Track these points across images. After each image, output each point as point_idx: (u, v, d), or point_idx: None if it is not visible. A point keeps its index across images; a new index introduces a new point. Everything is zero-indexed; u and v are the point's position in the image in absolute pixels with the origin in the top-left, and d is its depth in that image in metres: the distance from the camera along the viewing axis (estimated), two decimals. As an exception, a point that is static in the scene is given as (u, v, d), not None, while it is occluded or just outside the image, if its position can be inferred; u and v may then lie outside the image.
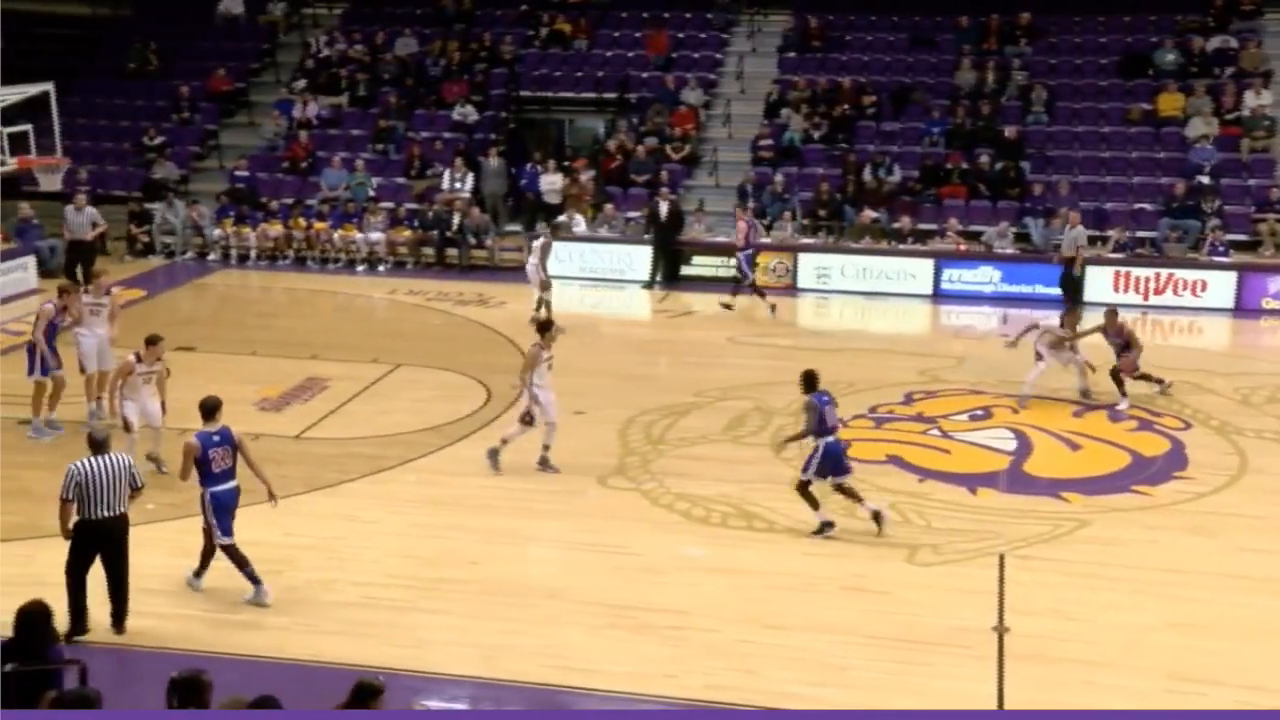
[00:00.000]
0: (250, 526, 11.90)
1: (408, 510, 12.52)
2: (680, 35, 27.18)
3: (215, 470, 10.26)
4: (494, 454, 13.25)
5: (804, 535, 11.85)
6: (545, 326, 13.52)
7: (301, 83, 26.84)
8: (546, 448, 13.25)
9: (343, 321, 20.29)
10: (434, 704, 8.65)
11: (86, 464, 9.60)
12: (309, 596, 10.66)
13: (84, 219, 20.76)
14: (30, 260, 20.83)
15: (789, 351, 17.65)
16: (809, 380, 11.91)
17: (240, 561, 10.34)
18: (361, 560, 11.35)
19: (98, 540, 9.64)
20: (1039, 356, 15.48)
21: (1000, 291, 20.59)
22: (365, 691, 6.73)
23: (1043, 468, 13.70)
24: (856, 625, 10.23)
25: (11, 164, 17.16)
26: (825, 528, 11.74)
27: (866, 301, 21.02)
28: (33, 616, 7.61)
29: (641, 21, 27.43)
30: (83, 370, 14.56)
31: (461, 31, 27.44)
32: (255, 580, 10.34)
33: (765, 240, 22.10)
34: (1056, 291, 20.77)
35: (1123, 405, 15.39)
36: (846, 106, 24.73)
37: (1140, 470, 13.64)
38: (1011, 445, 14.30)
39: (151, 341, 12.89)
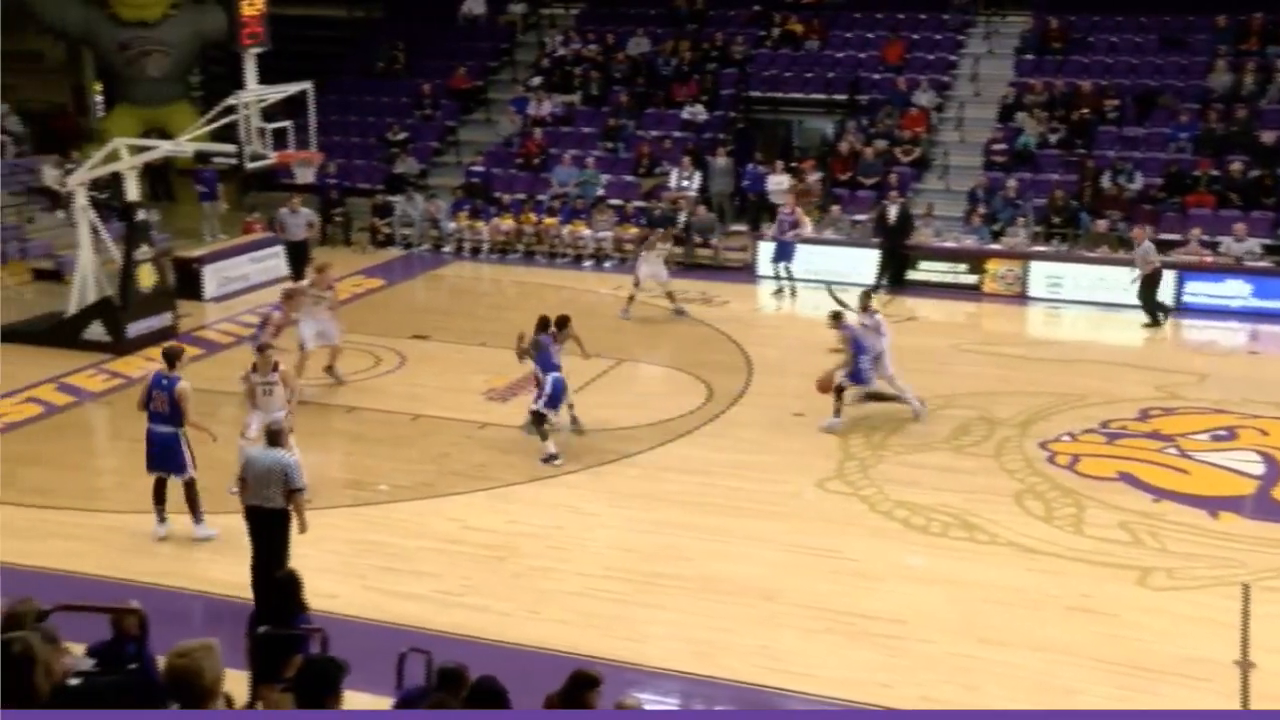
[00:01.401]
0: (475, 513, 12.43)
1: (627, 504, 12.73)
2: (914, 36, 26.68)
3: (152, 409, 11.48)
4: (535, 422, 13.79)
5: (1028, 550, 11.52)
6: (563, 322, 14.38)
7: (537, 81, 27.53)
8: (570, 405, 14.28)
9: (569, 316, 20.62)
10: (647, 697, 8.76)
11: (254, 452, 10.30)
12: (530, 584, 10.98)
13: (300, 220, 21.66)
14: (282, 249, 21.99)
15: (1018, 361, 17.15)
16: (543, 323, 13.93)
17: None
18: (582, 551, 11.62)
19: (253, 525, 10.21)
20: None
21: (1250, 307, 19.38)
22: (582, 682, 6.78)
23: (1294, 495, 12.90)
24: (1082, 647, 9.88)
25: (273, 158, 18.13)
26: (551, 459, 13.28)
27: (1101, 313, 20.17)
28: (283, 584, 8.13)
29: (875, 23, 27.05)
30: (301, 348, 15.47)
31: (693, 31, 27.62)
32: None
33: (994, 247, 21.58)
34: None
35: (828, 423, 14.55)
36: (1086, 110, 23.81)
37: (1406, 503, 12.69)
38: (1259, 469, 13.49)
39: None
